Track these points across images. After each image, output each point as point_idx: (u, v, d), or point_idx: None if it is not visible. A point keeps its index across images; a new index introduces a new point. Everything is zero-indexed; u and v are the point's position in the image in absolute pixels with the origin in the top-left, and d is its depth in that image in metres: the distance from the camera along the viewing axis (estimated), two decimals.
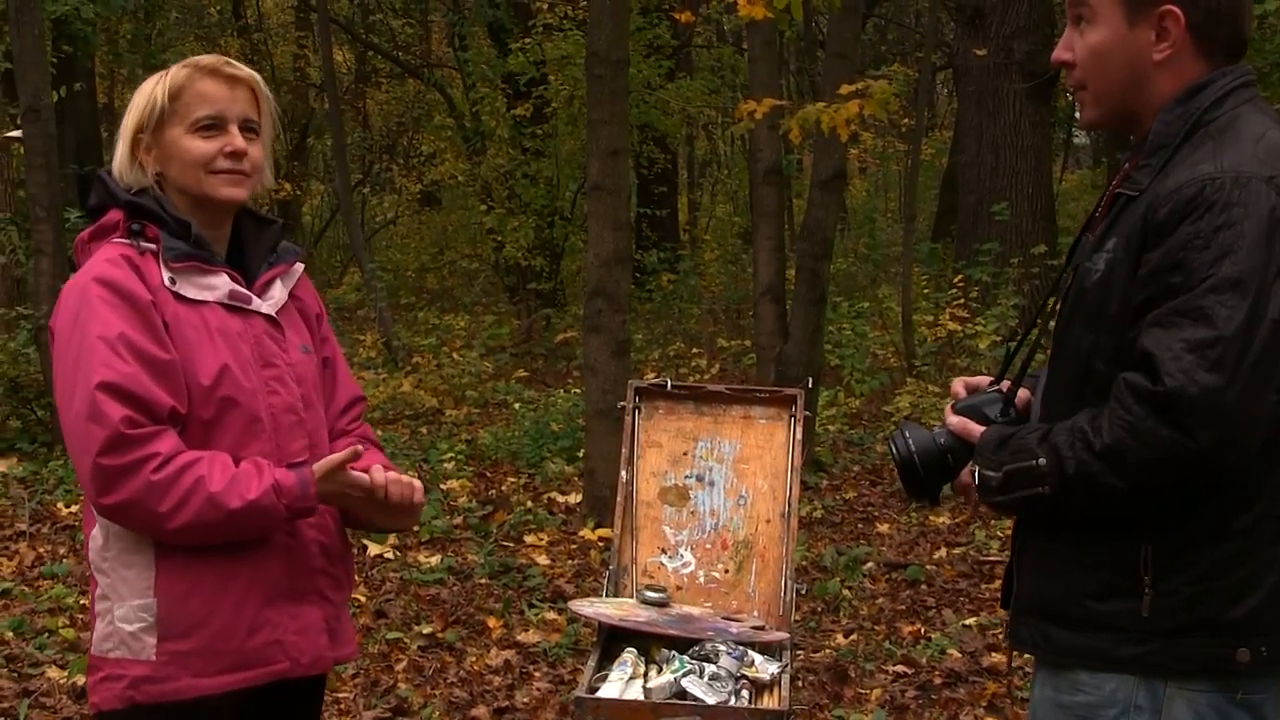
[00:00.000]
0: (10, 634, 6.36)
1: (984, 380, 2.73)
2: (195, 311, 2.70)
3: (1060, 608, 2.45)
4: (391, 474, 2.82)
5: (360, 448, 2.80)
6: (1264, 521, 2.32)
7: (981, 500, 2.51)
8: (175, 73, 2.78)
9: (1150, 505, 2.32)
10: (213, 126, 2.76)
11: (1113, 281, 2.37)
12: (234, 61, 2.83)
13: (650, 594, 3.50)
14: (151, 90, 2.77)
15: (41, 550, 7.75)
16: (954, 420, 2.62)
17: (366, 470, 2.79)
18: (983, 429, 2.55)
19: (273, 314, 2.84)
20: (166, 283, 2.68)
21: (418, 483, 2.89)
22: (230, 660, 2.68)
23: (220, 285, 2.76)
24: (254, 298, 2.81)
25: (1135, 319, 2.31)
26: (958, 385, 2.75)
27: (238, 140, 2.78)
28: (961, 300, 12.69)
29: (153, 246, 2.70)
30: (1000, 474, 2.43)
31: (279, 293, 2.88)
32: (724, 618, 3.47)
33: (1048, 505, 2.40)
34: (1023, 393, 2.65)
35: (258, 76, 2.87)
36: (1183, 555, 2.32)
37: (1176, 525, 2.33)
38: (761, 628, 3.43)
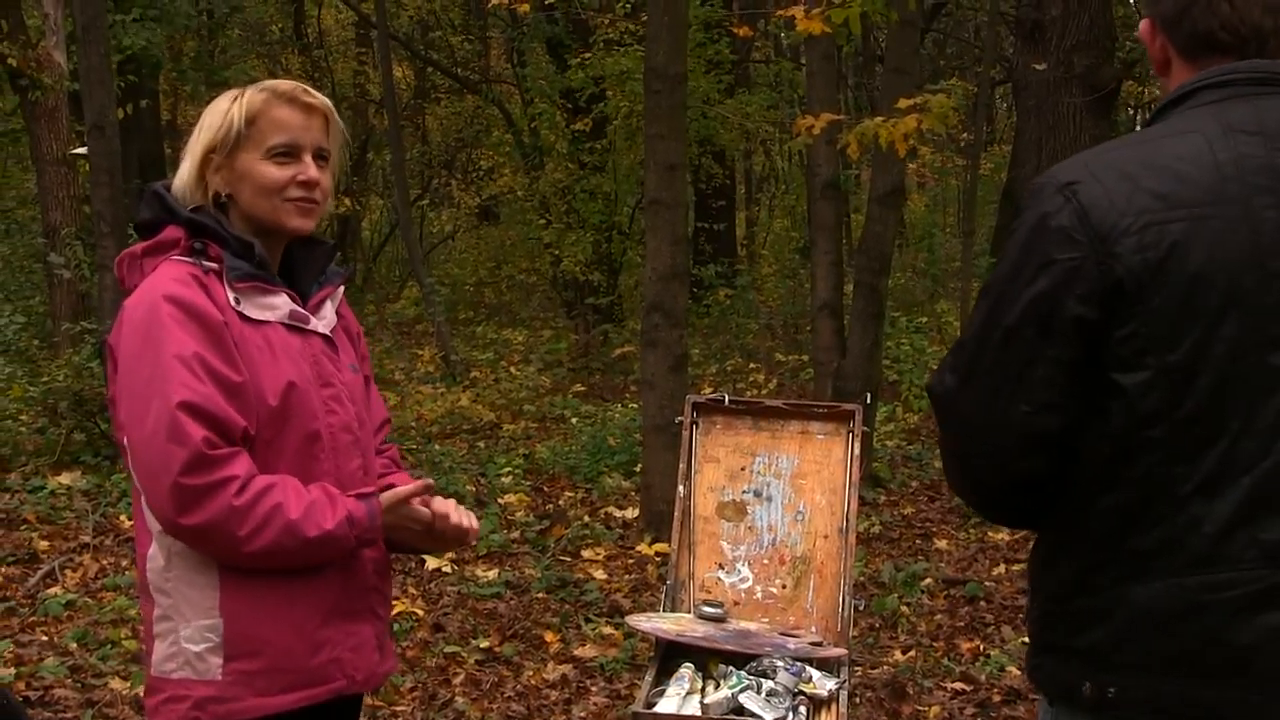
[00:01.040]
0: (74, 645, 6.43)
1: None
2: (259, 331, 2.69)
3: None
4: (449, 506, 2.86)
5: (431, 481, 2.85)
6: (1101, 551, 2.17)
7: None
8: (252, 96, 2.77)
9: (1003, 509, 2.34)
10: (287, 154, 2.75)
11: None
12: (310, 89, 2.82)
13: (707, 609, 3.50)
14: (226, 111, 2.75)
15: (105, 562, 7.83)
16: None
17: (425, 502, 2.82)
18: None
19: (328, 333, 2.85)
20: (232, 302, 2.67)
21: (473, 518, 2.92)
22: (294, 679, 2.68)
23: (281, 305, 2.75)
24: (311, 317, 2.82)
25: None
26: None
27: (311, 170, 2.78)
28: None
29: (215, 266, 2.69)
30: None
31: (330, 312, 2.89)
32: (781, 633, 3.46)
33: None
34: None
35: (330, 105, 2.86)
36: (1041, 573, 2.29)
37: (1037, 542, 2.32)
38: (819, 643, 3.42)
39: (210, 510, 2.53)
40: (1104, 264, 2.09)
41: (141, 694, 5.71)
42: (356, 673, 2.78)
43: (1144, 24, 2.36)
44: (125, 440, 2.64)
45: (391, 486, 2.90)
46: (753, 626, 3.47)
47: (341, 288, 2.98)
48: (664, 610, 3.60)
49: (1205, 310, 2.06)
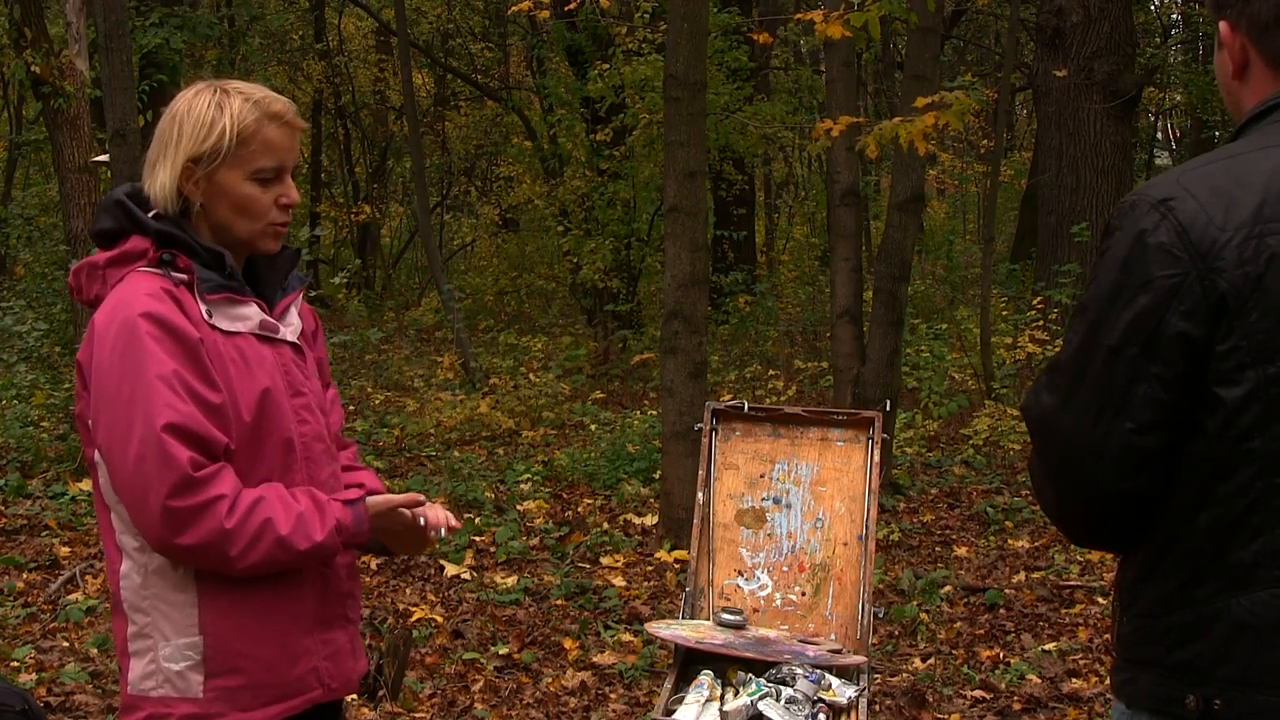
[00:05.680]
0: (95, 651, 6.46)
1: None
2: (231, 343, 2.66)
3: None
4: (438, 514, 2.84)
5: (421, 497, 2.84)
6: (1200, 565, 2.17)
7: None
8: (244, 114, 2.68)
9: (1101, 528, 2.31)
10: (272, 176, 2.71)
11: None
12: (294, 107, 2.78)
13: (727, 617, 3.50)
14: (213, 123, 2.66)
15: None
16: None
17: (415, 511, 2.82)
18: None
19: (297, 341, 2.82)
20: (204, 315, 2.63)
21: (453, 518, 2.90)
22: (274, 692, 2.68)
23: (252, 315, 2.72)
24: (280, 326, 2.78)
25: None
26: None
27: (293, 192, 2.74)
28: (1041, 322, 12.59)
29: (185, 277, 2.64)
30: None
31: (295, 319, 2.85)
32: (801, 640, 3.45)
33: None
34: None
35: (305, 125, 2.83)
36: (1134, 588, 2.28)
37: (1129, 559, 2.30)
38: (839, 650, 3.41)
39: (201, 532, 2.52)
40: (1206, 280, 2.09)
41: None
42: (333, 680, 2.78)
43: (1223, 25, 2.31)
44: (101, 459, 2.62)
45: (361, 485, 2.91)
46: (772, 634, 3.47)
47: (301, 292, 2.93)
48: (683, 617, 3.59)
49: None
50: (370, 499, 2.75)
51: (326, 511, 2.65)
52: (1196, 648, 2.17)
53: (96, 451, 2.65)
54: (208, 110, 2.68)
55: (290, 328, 2.82)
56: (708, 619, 3.59)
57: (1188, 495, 2.16)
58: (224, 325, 2.66)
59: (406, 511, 2.79)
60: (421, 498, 2.82)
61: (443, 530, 2.84)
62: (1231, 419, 2.10)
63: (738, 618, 3.50)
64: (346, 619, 2.84)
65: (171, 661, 2.63)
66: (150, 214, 2.70)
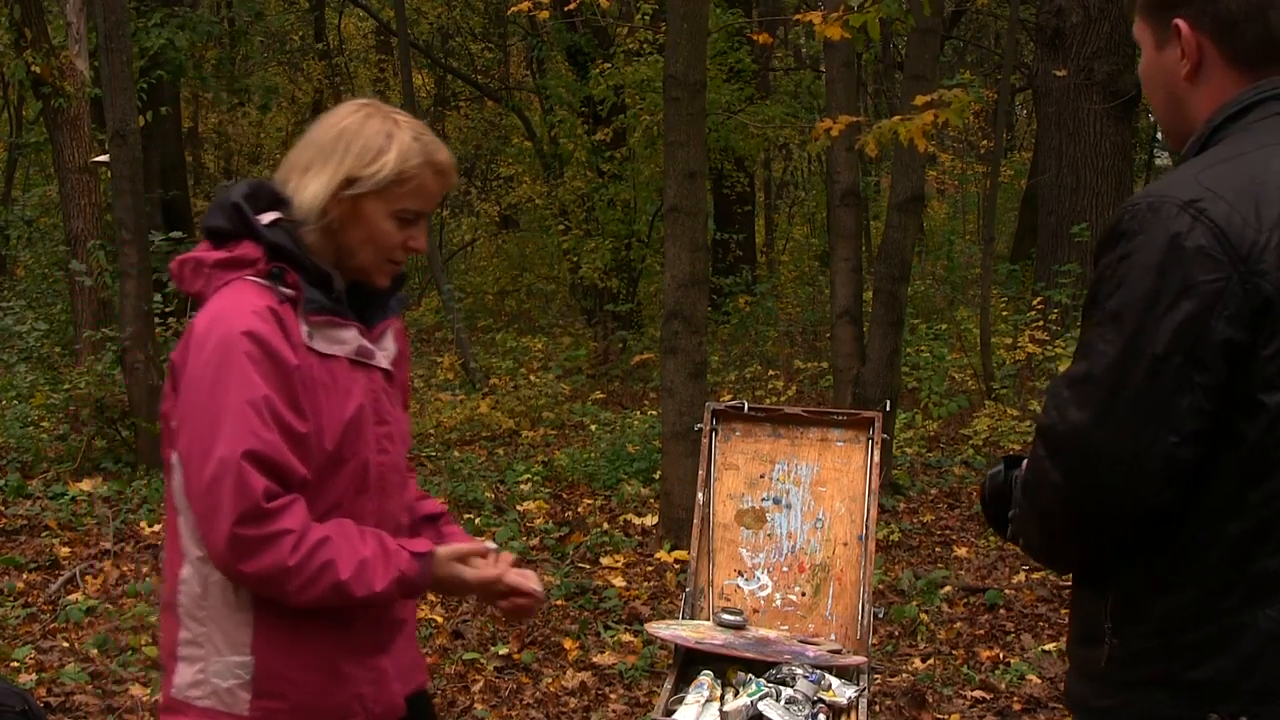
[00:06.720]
0: (95, 651, 6.45)
1: None
2: (325, 366, 2.63)
3: (1070, 652, 2.39)
4: (520, 576, 2.81)
5: (492, 545, 2.83)
6: (1224, 576, 2.10)
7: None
8: (410, 153, 2.66)
9: (1093, 547, 2.21)
10: (411, 220, 2.70)
11: None
12: (454, 160, 2.76)
13: (727, 617, 3.50)
14: (379, 150, 2.65)
15: (125, 569, 7.85)
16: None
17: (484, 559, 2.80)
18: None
19: (389, 368, 2.79)
20: (305, 337, 2.60)
21: (534, 581, 2.85)
22: (316, 717, 2.68)
23: (350, 340, 2.69)
24: (376, 352, 2.75)
25: None
26: None
27: (423, 239, 2.73)
28: (1041, 322, 12.59)
29: (291, 294, 2.61)
30: (1011, 515, 2.37)
31: (390, 344, 2.82)
32: (801, 641, 3.46)
33: (1027, 549, 2.36)
34: None
35: None
36: (1137, 605, 2.18)
37: (1130, 572, 2.19)
38: (839, 650, 3.42)
39: (263, 563, 2.50)
40: (1249, 283, 2.04)
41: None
42: (375, 706, 2.76)
43: (1180, 24, 2.25)
44: (178, 462, 2.60)
45: (440, 517, 2.90)
46: (772, 634, 3.47)
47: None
48: (683, 617, 3.60)
49: None
50: (440, 550, 2.72)
51: (391, 562, 2.61)
52: (1220, 663, 2.09)
53: (175, 454, 2.63)
54: (376, 137, 2.66)
55: (385, 353, 2.78)
56: (708, 619, 3.59)
57: (1213, 504, 2.09)
58: (321, 347, 2.63)
59: (472, 573, 2.76)
60: (492, 546, 2.80)
61: (525, 585, 2.80)
62: (1274, 425, 2.05)
63: (738, 618, 3.50)
64: (393, 645, 2.82)
65: (220, 677, 2.62)
66: (266, 220, 2.66)
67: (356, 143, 2.65)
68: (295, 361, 2.56)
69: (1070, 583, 2.45)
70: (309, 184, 2.65)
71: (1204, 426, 2.06)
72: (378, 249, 2.69)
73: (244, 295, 2.58)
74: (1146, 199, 2.13)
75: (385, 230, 2.67)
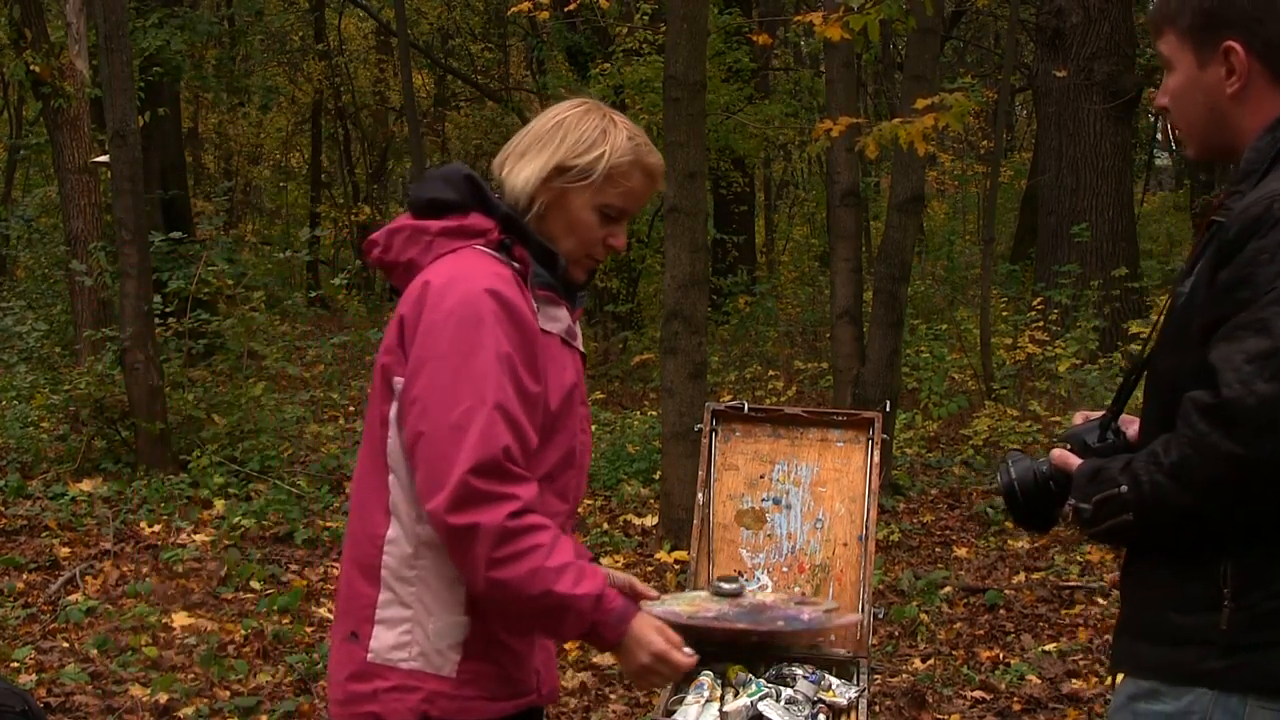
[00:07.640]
0: (94, 652, 6.45)
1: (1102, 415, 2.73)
2: (548, 341, 2.66)
3: (1149, 624, 2.45)
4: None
5: (652, 593, 2.87)
6: None
7: (1083, 533, 2.53)
8: (622, 151, 2.70)
9: (1233, 521, 2.29)
10: (615, 216, 2.72)
11: (1194, 303, 2.37)
12: (664, 167, 2.78)
13: (724, 585, 3.46)
14: (594, 145, 2.69)
15: (125, 569, 7.86)
16: (1056, 452, 2.63)
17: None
18: (1080, 461, 2.55)
19: (584, 351, 2.83)
20: (534, 309, 2.63)
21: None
22: (514, 687, 2.66)
23: (563, 319, 2.72)
24: (580, 335, 2.80)
25: (1209, 337, 2.31)
26: (1078, 416, 2.75)
27: (623, 238, 2.75)
28: (1041, 323, 12.59)
29: (520, 267, 2.64)
30: (1090, 505, 2.43)
31: (579, 332, 2.84)
32: (796, 603, 3.43)
33: (1135, 531, 2.39)
34: (1137, 423, 2.64)
35: None
36: (1264, 571, 2.29)
37: (1260, 541, 2.29)
38: (834, 609, 3.37)
39: (483, 516, 2.44)
40: None
41: (161, 700, 5.75)
42: (543, 685, 2.75)
43: (1236, 46, 2.39)
44: (396, 418, 2.57)
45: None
46: (769, 599, 3.41)
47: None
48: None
49: None
50: (650, 615, 2.64)
51: (598, 583, 2.53)
52: None
53: (392, 409, 2.59)
54: (593, 131, 2.70)
55: (579, 339, 2.82)
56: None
57: None
58: (543, 323, 2.65)
59: (676, 656, 2.62)
60: (651, 593, 2.80)
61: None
62: None
63: (735, 585, 3.44)
64: None
65: (433, 638, 2.58)
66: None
67: (572, 134, 2.69)
68: (536, 324, 2.59)
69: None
70: (523, 169, 2.69)
71: None
72: (579, 240, 2.71)
73: (479, 261, 2.61)
74: (1276, 196, 2.28)
75: (588, 222, 2.70)
